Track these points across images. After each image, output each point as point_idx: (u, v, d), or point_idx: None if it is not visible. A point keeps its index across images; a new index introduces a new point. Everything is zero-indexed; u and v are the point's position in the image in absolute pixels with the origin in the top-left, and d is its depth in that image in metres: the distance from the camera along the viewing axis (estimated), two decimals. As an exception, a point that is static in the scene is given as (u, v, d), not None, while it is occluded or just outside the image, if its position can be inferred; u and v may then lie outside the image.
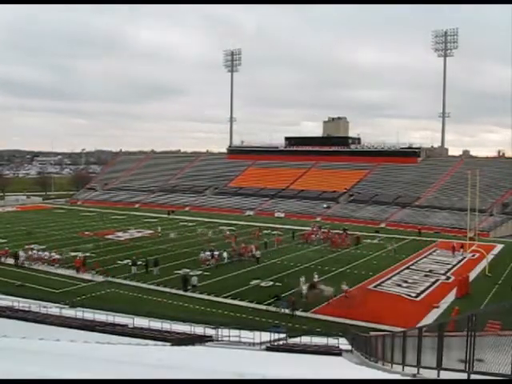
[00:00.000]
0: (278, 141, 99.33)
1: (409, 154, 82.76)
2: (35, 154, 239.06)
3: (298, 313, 27.21)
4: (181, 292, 31.24)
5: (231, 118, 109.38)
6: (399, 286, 33.52)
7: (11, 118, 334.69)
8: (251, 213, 75.09)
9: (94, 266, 35.67)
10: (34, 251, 40.49)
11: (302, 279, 31.53)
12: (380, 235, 54.59)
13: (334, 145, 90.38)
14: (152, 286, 32.69)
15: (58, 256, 38.86)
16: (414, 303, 29.77)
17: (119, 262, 39.25)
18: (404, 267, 39.04)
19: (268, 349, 17.00)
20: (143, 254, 41.48)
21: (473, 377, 5.68)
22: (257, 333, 18.03)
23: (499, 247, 48.73)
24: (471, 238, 45.41)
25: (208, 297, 30.50)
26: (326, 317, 26.88)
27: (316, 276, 32.84)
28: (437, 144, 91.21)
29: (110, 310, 22.49)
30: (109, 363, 7.52)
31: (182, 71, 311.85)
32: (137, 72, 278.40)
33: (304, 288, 30.09)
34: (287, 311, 27.11)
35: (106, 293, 31.26)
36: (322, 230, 55.19)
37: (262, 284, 33.23)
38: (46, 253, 39.82)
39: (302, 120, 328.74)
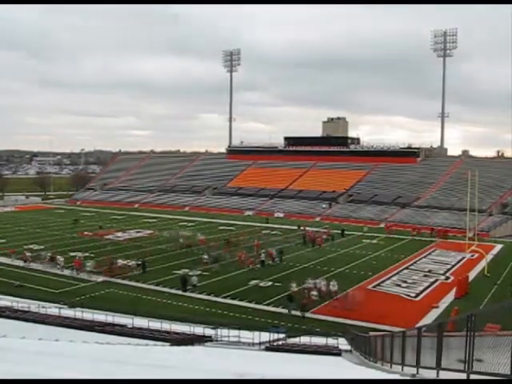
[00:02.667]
0: (278, 141, 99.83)
1: (408, 154, 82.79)
2: (34, 154, 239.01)
3: (298, 313, 27.17)
4: (180, 292, 31.23)
5: (230, 118, 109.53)
6: (398, 286, 33.54)
7: None
8: (250, 213, 75.10)
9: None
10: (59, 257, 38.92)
11: (309, 280, 31.58)
12: (381, 235, 54.64)
13: (333, 145, 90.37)
14: (151, 286, 32.68)
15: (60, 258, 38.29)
16: (414, 303, 29.78)
17: (119, 262, 39.17)
18: (403, 267, 39.05)
19: (267, 349, 17.01)
20: (142, 254, 41.50)
21: (472, 377, 5.68)
22: (256, 333, 18.04)
23: (498, 247, 48.78)
24: (471, 238, 45.44)
25: (207, 297, 30.50)
26: (325, 317, 26.88)
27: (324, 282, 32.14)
28: (436, 144, 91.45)
29: (109, 310, 22.51)
30: (108, 363, 7.52)
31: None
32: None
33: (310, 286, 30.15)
34: (298, 313, 27.01)
35: (105, 293, 31.26)
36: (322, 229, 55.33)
37: (261, 284, 33.22)
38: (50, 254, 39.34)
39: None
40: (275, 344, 18.39)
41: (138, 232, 55.39)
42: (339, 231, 54.10)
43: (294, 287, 30.42)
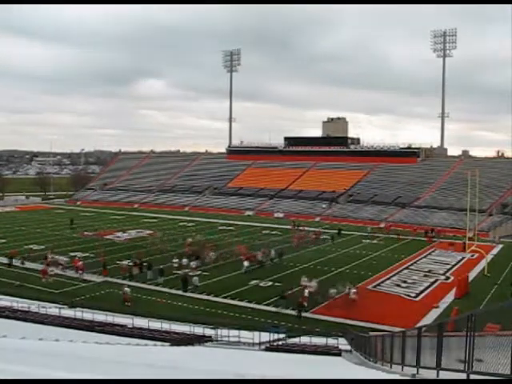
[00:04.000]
0: (278, 141, 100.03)
1: (408, 154, 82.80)
2: (34, 154, 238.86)
3: (289, 311, 27.15)
4: (180, 292, 31.21)
5: (230, 118, 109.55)
6: (398, 286, 33.53)
7: None
8: (250, 213, 75.10)
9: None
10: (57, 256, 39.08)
11: (311, 280, 31.53)
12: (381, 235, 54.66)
13: (333, 145, 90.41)
14: (151, 287, 32.67)
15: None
16: (414, 303, 29.78)
17: (118, 262, 39.16)
18: (403, 267, 39.05)
19: (267, 349, 17.02)
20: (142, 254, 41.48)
21: (472, 377, 5.68)
22: (256, 333, 18.04)
23: (498, 247, 48.77)
24: (470, 238, 45.43)
25: (207, 297, 30.49)
26: (325, 317, 26.88)
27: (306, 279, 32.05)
28: (436, 144, 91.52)
29: (109, 311, 22.50)
30: (108, 363, 7.52)
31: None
32: None
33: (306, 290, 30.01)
34: (294, 313, 26.97)
35: (105, 293, 31.25)
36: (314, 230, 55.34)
37: (262, 284, 33.22)
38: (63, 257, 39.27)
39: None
40: (275, 344, 18.39)
41: (138, 232, 55.37)
42: (336, 231, 54.14)
43: (306, 281, 30.72)
